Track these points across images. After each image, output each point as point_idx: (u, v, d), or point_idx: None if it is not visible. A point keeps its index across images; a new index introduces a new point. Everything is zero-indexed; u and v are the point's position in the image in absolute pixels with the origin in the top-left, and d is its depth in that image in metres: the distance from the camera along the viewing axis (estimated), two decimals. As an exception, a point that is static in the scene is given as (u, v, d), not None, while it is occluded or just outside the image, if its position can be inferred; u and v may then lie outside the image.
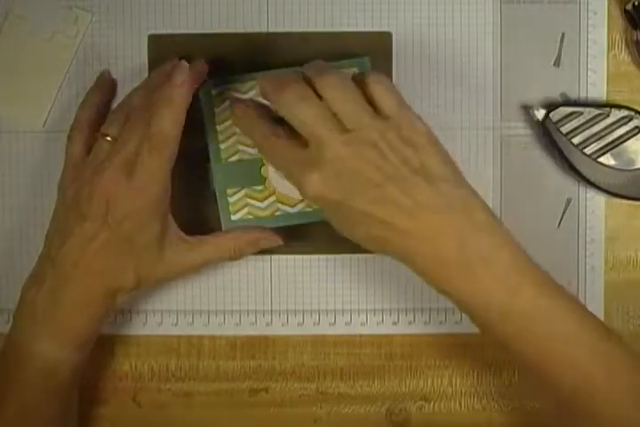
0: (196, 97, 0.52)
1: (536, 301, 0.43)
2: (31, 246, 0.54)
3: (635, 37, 0.54)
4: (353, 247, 0.54)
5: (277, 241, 0.52)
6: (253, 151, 0.53)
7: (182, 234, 0.50)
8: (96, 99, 0.53)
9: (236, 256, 0.51)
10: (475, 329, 0.55)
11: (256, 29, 0.54)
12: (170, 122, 0.46)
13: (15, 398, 0.47)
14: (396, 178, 0.43)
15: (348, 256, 0.55)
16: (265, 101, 0.49)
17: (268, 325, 0.55)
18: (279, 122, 0.48)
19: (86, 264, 0.47)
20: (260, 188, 0.53)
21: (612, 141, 0.53)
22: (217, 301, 0.55)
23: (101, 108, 0.52)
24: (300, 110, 0.45)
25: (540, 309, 0.43)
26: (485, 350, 0.55)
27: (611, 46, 0.55)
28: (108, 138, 0.48)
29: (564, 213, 0.55)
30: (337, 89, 0.45)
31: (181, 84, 0.47)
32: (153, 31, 0.54)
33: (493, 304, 0.43)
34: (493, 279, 0.43)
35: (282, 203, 0.53)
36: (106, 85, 0.53)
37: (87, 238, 0.47)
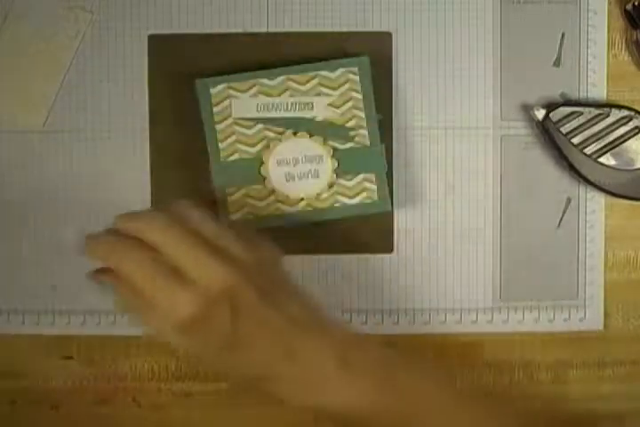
0: (195, 96, 0.52)
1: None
2: (31, 247, 0.54)
3: (635, 37, 0.54)
4: (353, 247, 0.54)
5: None
6: (252, 150, 0.53)
7: None
8: None
9: None
10: (474, 329, 0.55)
11: (256, 29, 0.54)
12: None
13: None
14: None
15: (347, 256, 0.55)
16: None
17: (267, 325, 0.55)
18: None
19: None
20: (259, 187, 0.53)
21: (612, 141, 0.53)
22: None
23: None
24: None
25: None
26: (485, 350, 0.55)
27: (611, 46, 0.55)
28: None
29: (563, 213, 0.55)
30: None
31: None
32: (153, 31, 0.54)
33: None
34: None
35: (281, 202, 0.53)
36: None
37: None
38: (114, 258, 0.43)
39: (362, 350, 0.44)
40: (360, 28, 0.54)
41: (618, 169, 0.53)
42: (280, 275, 0.46)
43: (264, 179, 0.53)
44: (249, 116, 0.53)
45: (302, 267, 0.55)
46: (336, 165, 0.53)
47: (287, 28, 0.54)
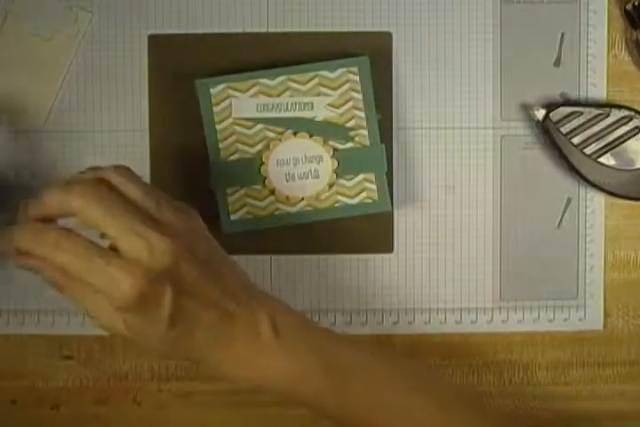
0: (195, 96, 0.52)
1: None
2: (31, 246, 0.54)
3: (635, 37, 0.54)
4: (353, 247, 0.54)
5: None
6: (252, 150, 0.53)
7: None
8: None
9: None
10: (474, 329, 0.55)
11: (256, 29, 0.54)
12: None
13: None
14: None
15: (347, 256, 0.55)
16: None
17: (267, 325, 0.55)
18: None
19: None
20: (259, 187, 0.53)
21: (612, 141, 0.53)
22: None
23: None
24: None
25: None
26: (485, 350, 0.55)
27: (611, 46, 0.55)
28: None
29: (563, 213, 0.55)
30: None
31: None
32: (153, 31, 0.54)
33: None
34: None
35: (281, 202, 0.53)
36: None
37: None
38: (43, 250, 0.40)
39: (292, 317, 0.45)
40: (360, 28, 0.54)
41: (618, 169, 0.53)
42: (212, 243, 0.45)
43: (264, 179, 0.53)
44: (249, 116, 0.53)
45: (302, 267, 0.55)
46: (336, 165, 0.53)
47: (287, 28, 0.54)
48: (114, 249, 0.40)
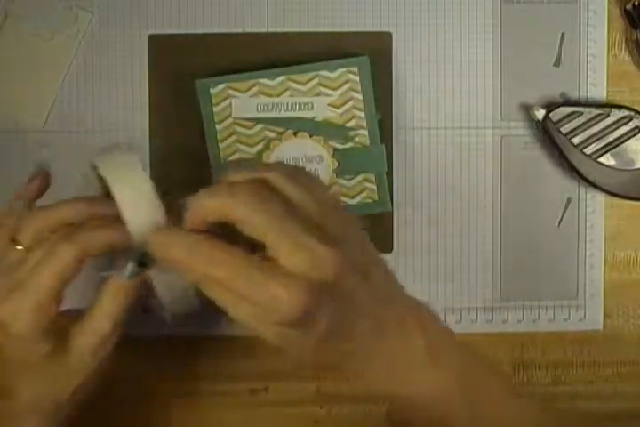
0: (195, 96, 0.52)
1: None
2: (31, 246, 0.54)
3: (635, 37, 0.54)
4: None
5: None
6: (252, 150, 0.53)
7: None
8: (27, 197, 0.47)
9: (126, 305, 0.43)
10: (474, 329, 0.55)
11: (256, 29, 0.54)
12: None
13: None
14: None
15: (347, 256, 0.55)
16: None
17: (267, 325, 0.55)
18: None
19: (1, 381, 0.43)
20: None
21: (612, 141, 0.53)
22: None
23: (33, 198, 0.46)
24: None
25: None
26: (485, 350, 0.55)
27: (611, 46, 0.55)
28: (19, 247, 0.42)
29: (563, 213, 0.55)
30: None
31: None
32: (153, 31, 0.54)
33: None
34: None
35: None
36: (41, 185, 0.47)
37: None
38: (196, 264, 0.36)
39: (439, 326, 0.43)
40: (360, 28, 0.54)
41: (618, 169, 0.53)
42: (371, 251, 0.41)
43: (264, 179, 0.53)
44: (249, 116, 0.53)
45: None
46: (336, 165, 0.53)
47: (287, 28, 0.54)
48: (271, 259, 0.36)
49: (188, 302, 0.41)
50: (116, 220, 0.39)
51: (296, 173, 0.39)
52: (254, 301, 0.36)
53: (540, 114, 0.53)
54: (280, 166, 0.40)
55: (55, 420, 0.44)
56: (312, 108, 0.53)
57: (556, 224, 0.55)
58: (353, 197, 0.53)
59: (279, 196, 0.37)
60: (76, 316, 0.43)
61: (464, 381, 0.42)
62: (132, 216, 0.39)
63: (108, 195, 0.41)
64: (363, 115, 0.53)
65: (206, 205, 0.37)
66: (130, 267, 0.40)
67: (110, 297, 0.42)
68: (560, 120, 0.53)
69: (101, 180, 0.41)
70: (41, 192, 0.47)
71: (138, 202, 0.39)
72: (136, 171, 0.40)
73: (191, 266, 0.36)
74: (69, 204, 0.43)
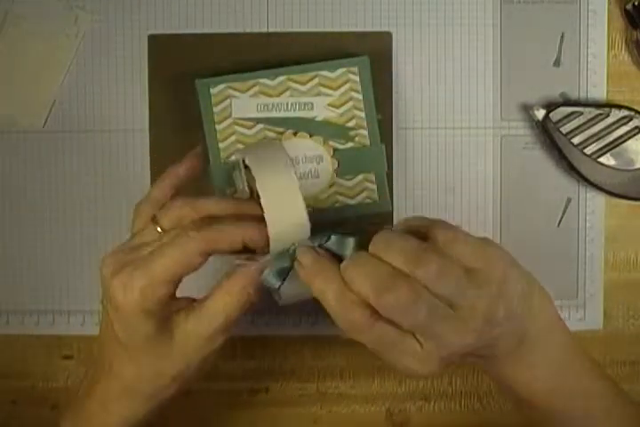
0: (195, 96, 0.52)
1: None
2: (30, 247, 0.54)
3: (635, 37, 0.54)
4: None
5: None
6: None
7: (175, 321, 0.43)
8: (180, 174, 0.47)
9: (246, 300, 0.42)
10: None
11: (256, 29, 0.54)
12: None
13: None
14: None
15: (347, 256, 0.55)
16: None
17: (267, 324, 0.55)
18: None
19: (105, 358, 0.44)
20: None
21: (612, 141, 0.53)
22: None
23: (179, 185, 0.46)
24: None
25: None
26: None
27: (611, 46, 0.55)
28: (158, 228, 0.43)
29: (563, 213, 0.55)
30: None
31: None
32: (153, 31, 0.54)
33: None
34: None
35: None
36: (193, 163, 0.47)
37: (100, 333, 0.45)
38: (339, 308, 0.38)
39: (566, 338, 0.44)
40: (360, 28, 0.54)
41: (618, 169, 0.53)
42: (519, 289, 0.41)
43: (264, 179, 0.53)
44: (249, 116, 0.53)
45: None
46: (336, 165, 0.53)
47: (287, 28, 0.54)
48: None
49: (303, 296, 0.41)
50: (258, 221, 0.40)
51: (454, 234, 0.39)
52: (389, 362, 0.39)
53: (540, 114, 0.53)
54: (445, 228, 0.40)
55: (149, 406, 0.44)
56: (312, 108, 0.53)
57: (556, 224, 0.55)
58: (353, 197, 0.53)
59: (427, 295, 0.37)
60: (186, 304, 0.43)
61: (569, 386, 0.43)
62: (275, 216, 0.39)
63: (251, 193, 0.42)
64: (363, 115, 0.53)
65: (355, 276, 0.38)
66: (266, 274, 0.40)
67: (236, 291, 0.42)
68: (560, 120, 0.53)
69: (247, 175, 0.41)
70: (192, 171, 0.47)
71: (282, 202, 0.40)
72: (285, 169, 0.40)
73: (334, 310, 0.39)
74: (215, 199, 0.44)
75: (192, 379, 0.44)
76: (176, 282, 0.41)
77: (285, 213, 0.39)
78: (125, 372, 0.43)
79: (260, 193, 0.40)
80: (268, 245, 0.41)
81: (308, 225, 0.40)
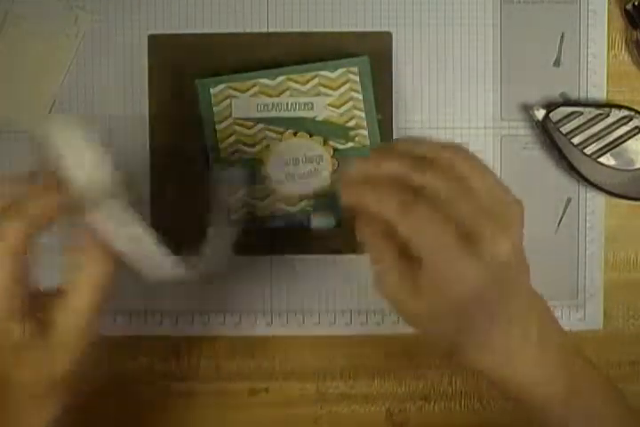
0: (195, 96, 0.52)
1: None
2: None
3: (635, 37, 0.54)
4: (353, 247, 0.54)
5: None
6: (252, 150, 0.53)
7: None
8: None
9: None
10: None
11: (256, 29, 0.54)
12: None
13: None
14: None
15: (347, 256, 0.55)
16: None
17: (267, 325, 0.55)
18: None
19: None
20: (259, 187, 0.53)
21: (612, 141, 0.53)
22: (217, 301, 0.55)
23: None
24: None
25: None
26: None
27: (611, 46, 0.55)
28: None
29: (563, 213, 0.55)
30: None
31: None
32: (153, 31, 0.54)
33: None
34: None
35: (281, 202, 0.53)
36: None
37: None
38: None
39: (554, 324, 0.43)
40: (360, 28, 0.54)
41: (618, 169, 0.53)
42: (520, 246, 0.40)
43: (264, 179, 0.53)
44: (249, 116, 0.53)
45: (302, 267, 0.55)
46: (336, 165, 0.53)
47: (287, 28, 0.54)
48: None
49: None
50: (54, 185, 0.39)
51: (454, 160, 0.38)
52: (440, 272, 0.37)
53: (540, 114, 0.53)
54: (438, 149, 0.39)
55: (53, 404, 0.43)
56: (312, 108, 0.53)
57: (556, 224, 0.55)
58: (353, 197, 0.53)
59: (425, 200, 0.36)
60: (54, 294, 0.41)
61: (570, 380, 0.42)
62: (77, 171, 0.39)
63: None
64: (363, 115, 0.53)
65: (351, 193, 0.38)
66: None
67: (91, 268, 0.40)
68: (560, 120, 0.53)
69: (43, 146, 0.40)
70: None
71: (81, 156, 0.39)
72: (74, 128, 0.39)
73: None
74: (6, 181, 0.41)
75: (85, 372, 0.43)
76: (26, 275, 0.40)
77: (85, 164, 0.39)
78: (17, 376, 0.41)
79: (58, 152, 0.39)
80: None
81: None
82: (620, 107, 0.53)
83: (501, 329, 0.40)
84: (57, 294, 0.41)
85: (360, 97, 0.53)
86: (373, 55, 0.53)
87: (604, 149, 0.53)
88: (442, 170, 0.37)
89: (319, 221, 0.51)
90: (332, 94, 0.53)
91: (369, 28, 0.55)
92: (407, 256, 0.38)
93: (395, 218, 0.37)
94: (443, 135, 0.55)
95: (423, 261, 0.37)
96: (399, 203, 0.37)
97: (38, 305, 0.41)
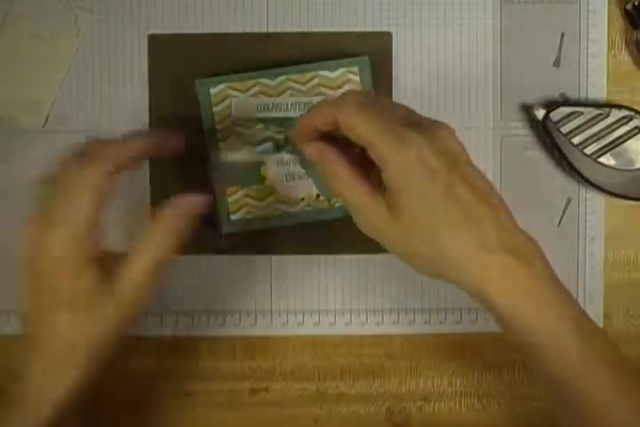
0: (195, 96, 0.52)
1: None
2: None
3: (635, 37, 0.54)
4: (353, 247, 0.54)
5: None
6: (253, 150, 0.53)
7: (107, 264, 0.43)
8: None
9: (177, 239, 0.44)
10: (474, 329, 0.55)
11: (256, 29, 0.54)
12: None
13: None
14: None
15: (347, 256, 0.55)
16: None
17: (268, 325, 0.55)
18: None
19: (41, 324, 0.43)
20: (259, 187, 0.53)
21: (612, 141, 0.53)
22: (217, 301, 0.55)
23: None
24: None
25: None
26: (485, 350, 0.55)
27: (611, 46, 0.55)
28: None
29: (563, 212, 0.55)
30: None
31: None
32: (153, 31, 0.54)
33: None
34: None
35: (282, 202, 0.53)
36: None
37: (34, 293, 0.43)
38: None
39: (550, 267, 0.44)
40: (360, 28, 0.54)
41: (618, 169, 0.53)
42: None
43: (264, 179, 0.53)
44: (249, 116, 0.53)
45: (302, 267, 0.55)
46: (336, 165, 0.53)
47: (287, 28, 0.54)
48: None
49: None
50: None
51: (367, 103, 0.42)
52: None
53: (540, 114, 0.53)
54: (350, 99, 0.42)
55: (90, 371, 0.43)
56: (312, 108, 0.53)
57: (556, 224, 0.55)
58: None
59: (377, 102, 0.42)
60: (121, 256, 0.43)
61: (577, 320, 0.42)
62: None
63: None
64: (363, 115, 0.53)
65: (318, 111, 0.42)
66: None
67: (162, 225, 0.43)
68: (560, 120, 0.53)
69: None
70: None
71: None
72: None
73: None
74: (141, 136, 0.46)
75: (123, 341, 0.45)
76: (98, 222, 0.42)
77: None
78: (65, 328, 0.42)
79: None
80: None
81: None
82: (620, 107, 0.53)
83: (457, 237, 0.41)
84: (128, 251, 0.43)
85: (360, 97, 0.53)
86: (373, 55, 0.53)
87: (604, 149, 0.53)
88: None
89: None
90: (333, 94, 0.53)
91: (369, 28, 0.55)
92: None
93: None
94: (443, 135, 0.55)
95: (384, 174, 0.40)
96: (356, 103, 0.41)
97: (107, 258, 0.43)
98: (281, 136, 0.48)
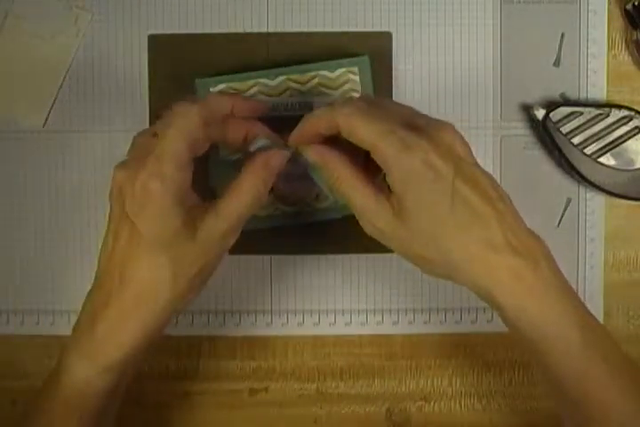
0: (195, 96, 0.52)
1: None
2: (31, 247, 0.54)
3: (635, 37, 0.54)
4: (353, 247, 0.54)
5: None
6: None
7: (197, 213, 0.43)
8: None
9: (264, 191, 0.45)
10: (474, 329, 0.55)
11: (256, 29, 0.54)
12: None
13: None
14: None
15: (347, 256, 0.55)
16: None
17: (267, 325, 0.55)
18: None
19: (115, 269, 0.43)
20: (259, 187, 0.53)
21: (612, 141, 0.53)
22: (217, 301, 0.55)
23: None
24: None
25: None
26: (485, 350, 0.55)
27: (611, 46, 0.55)
28: None
29: (563, 212, 0.55)
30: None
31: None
32: (153, 31, 0.54)
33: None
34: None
35: (281, 202, 0.53)
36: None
37: (112, 241, 0.43)
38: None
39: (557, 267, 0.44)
40: (360, 28, 0.54)
41: (618, 169, 0.53)
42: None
43: (264, 179, 0.53)
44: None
45: (302, 267, 0.55)
46: (336, 165, 0.53)
47: (287, 28, 0.54)
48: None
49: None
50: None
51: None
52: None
53: (540, 114, 0.53)
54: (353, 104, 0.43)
55: (166, 315, 0.43)
56: (312, 108, 0.53)
57: (556, 224, 0.55)
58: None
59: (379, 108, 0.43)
60: (211, 204, 0.44)
61: (582, 319, 0.42)
62: None
63: None
64: (363, 115, 0.53)
65: (319, 115, 0.43)
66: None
67: (250, 182, 0.44)
68: (560, 120, 0.53)
69: None
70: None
71: None
72: None
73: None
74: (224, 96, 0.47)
75: (199, 290, 0.45)
76: (189, 163, 0.43)
77: None
78: (142, 276, 0.42)
79: None
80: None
81: None
82: (620, 107, 0.53)
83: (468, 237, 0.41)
84: (214, 201, 0.44)
85: (360, 97, 0.53)
86: (373, 55, 0.53)
87: (604, 149, 0.53)
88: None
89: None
90: (332, 94, 0.53)
91: (369, 28, 0.55)
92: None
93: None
94: (443, 135, 0.55)
95: (388, 177, 0.41)
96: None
97: (195, 206, 0.43)
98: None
